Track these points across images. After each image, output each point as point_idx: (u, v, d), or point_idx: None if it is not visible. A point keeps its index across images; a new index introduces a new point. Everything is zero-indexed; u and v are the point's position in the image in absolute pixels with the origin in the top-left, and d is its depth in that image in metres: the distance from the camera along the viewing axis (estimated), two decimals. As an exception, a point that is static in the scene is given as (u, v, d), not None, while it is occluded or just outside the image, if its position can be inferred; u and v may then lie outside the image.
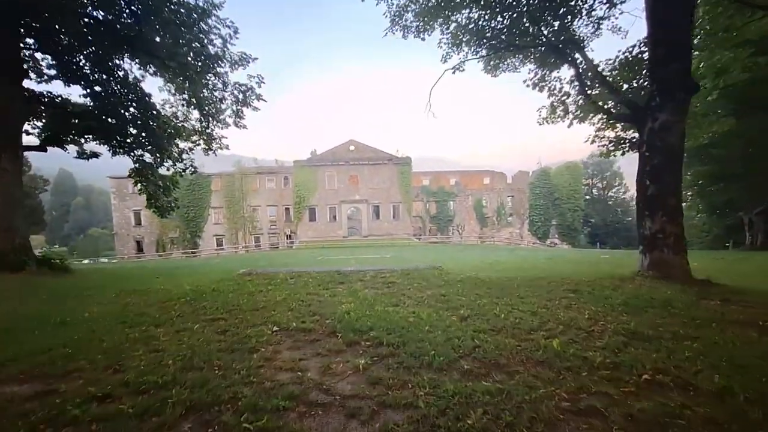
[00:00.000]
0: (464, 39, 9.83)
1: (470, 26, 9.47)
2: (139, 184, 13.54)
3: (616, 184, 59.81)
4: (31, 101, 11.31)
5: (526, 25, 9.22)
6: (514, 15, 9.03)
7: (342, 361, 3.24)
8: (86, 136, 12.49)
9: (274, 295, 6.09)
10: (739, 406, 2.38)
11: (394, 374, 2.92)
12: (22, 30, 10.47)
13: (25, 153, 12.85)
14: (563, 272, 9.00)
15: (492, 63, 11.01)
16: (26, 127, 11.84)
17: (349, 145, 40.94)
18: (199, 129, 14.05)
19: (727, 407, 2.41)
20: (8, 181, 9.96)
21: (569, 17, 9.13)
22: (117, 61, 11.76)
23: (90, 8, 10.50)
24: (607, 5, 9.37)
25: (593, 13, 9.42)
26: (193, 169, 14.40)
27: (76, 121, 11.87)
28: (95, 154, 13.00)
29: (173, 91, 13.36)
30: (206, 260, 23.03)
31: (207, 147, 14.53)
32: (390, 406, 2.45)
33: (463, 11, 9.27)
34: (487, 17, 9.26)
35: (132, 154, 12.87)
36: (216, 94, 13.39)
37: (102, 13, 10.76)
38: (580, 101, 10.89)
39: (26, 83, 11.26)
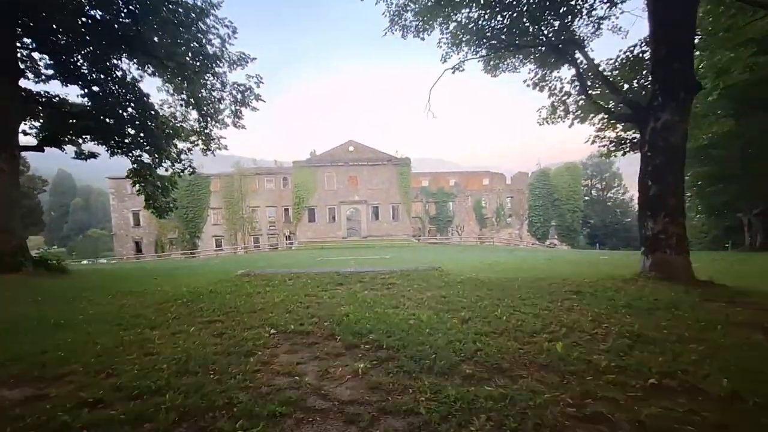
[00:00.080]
0: (464, 38, 9.78)
1: (470, 26, 9.42)
2: (137, 185, 13.46)
3: (616, 185, 59.88)
4: (28, 101, 11.24)
5: (526, 24, 9.17)
6: (514, 14, 8.98)
7: (341, 365, 3.17)
8: (84, 137, 12.43)
9: (272, 297, 6.02)
10: (749, 411, 2.32)
11: (394, 379, 2.84)
12: (19, 30, 10.41)
13: (24, 153, 12.79)
14: (564, 273, 8.94)
15: (492, 63, 10.97)
16: (24, 127, 11.78)
17: (349, 146, 40.90)
18: (198, 129, 13.98)
19: (736, 412, 2.35)
20: (5, 181, 9.88)
21: (569, 17, 9.09)
22: (115, 61, 11.70)
23: (88, 8, 10.43)
24: (608, 5, 9.33)
25: (594, 12, 9.39)
26: (191, 170, 14.33)
27: (74, 121, 11.82)
28: (93, 155, 12.93)
29: (171, 91, 13.30)
30: (205, 261, 22.96)
31: (205, 147, 14.47)
32: (390, 413, 2.38)
33: (463, 10, 9.22)
34: (486, 17, 9.22)
35: (130, 154, 12.80)
36: (214, 94, 13.33)
37: (100, 13, 10.70)
38: (581, 101, 10.85)
39: (24, 83, 11.21)
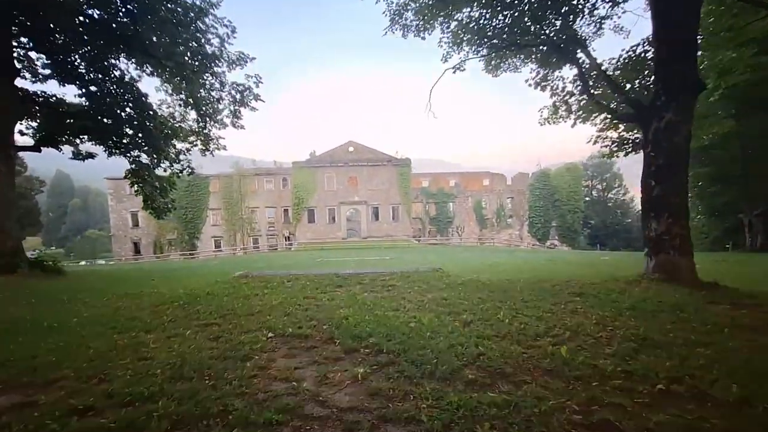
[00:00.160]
0: (465, 38, 9.72)
1: (471, 25, 9.35)
2: (135, 185, 13.38)
3: (616, 186, 59.88)
4: (25, 101, 11.16)
5: (528, 23, 9.11)
6: (516, 13, 8.91)
7: (340, 370, 3.09)
8: (81, 137, 12.35)
9: (270, 299, 5.94)
10: (759, 418, 2.26)
11: (395, 384, 2.76)
12: (16, 29, 10.33)
13: (22, 154, 12.69)
14: (566, 274, 8.86)
15: (493, 63, 10.91)
16: (21, 127, 11.70)
17: (348, 147, 40.85)
18: (197, 129, 13.90)
19: (745, 418, 2.29)
20: (0, 181, 9.79)
21: (571, 16, 9.02)
22: (113, 61, 11.63)
23: (86, 7, 10.36)
24: (610, 4, 9.28)
25: (596, 12, 9.33)
26: (190, 170, 14.26)
27: (71, 121, 11.73)
28: (91, 155, 12.85)
29: (170, 91, 13.22)
30: (204, 262, 22.87)
31: (204, 148, 14.39)
32: (390, 420, 2.30)
33: (464, 9, 9.16)
34: (488, 16, 9.15)
35: (128, 154, 12.73)
36: (213, 94, 13.26)
37: (98, 12, 10.63)
38: (583, 101, 10.78)
39: (21, 83, 11.14)
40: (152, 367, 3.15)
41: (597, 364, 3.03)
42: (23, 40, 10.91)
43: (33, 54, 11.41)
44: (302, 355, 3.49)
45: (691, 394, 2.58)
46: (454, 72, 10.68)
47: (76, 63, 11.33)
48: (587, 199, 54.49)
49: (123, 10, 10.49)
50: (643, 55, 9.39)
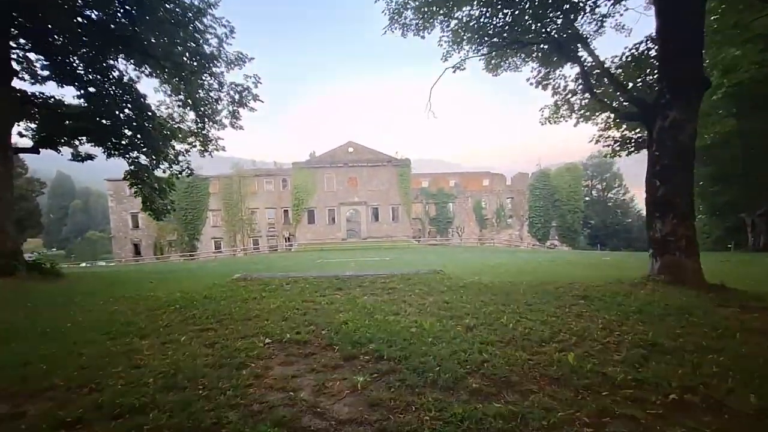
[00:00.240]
0: (465, 36, 9.60)
1: (471, 23, 9.24)
2: (134, 187, 13.28)
3: (616, 186, 59.64)
4: (23, 102, 11.07)
5: (529, 22, 9.00)
6: (516, 11, 8.80)
7: (338, 379, 2.98)
8: (80, 138, 12.26)
9: (268, 303, 5.82)
10: (780, 430, 2.14)
11: (396, 394, 2.65)
12: (14, 30, 10.25)
13: (23, 155, 12.59)
14: (568, 276, 8.74)
15: (493, 62, 10.79)
16: (19, 128, 11.62)
17: (348, 147, 40.74)
18: (195, 130, 13.79)
19: (766, 431, 2.17)
20: (-2, 183, 9.70)
21: (573, 14, 8.91)
22: (111, 62, 11.53)
23: (84, 8, 10.27)
24: (611, 1, 9.16)
25: (597, 9, 9.21)
26: (189, 171, 14.15)
27: (70, 122, 11.65)
28: (90, 156, 12.76)
29: (169, 92, 13.12)
30: (203, 263, 22.75)
31: (203, 148, 14.29)
32: (391, 434, 2.19)
33: (464, 8, 9.05)
34: (488, 14, 9.04)
35: (127, 156, 12.62)
36: (212, 94, 13.15)
37: (96, 13, 10.54)
38: (586, 99, 10.65)
39: (19, 84, 11.05)
40: (145, 375, 3.04)
41: (606, 372, 2.92)
42: (22, 41, 10.82)
43: (32, 55, 11.34)
44: (300, 363, 3.38)
45: (706, 404, 2.47)
46: (454, 71, 10.58)
47: (74, 64, 11.24)
48: (587, 199, 54.25)
49: (121, 10, 10.39)
50: (646, 53, 9.26)
